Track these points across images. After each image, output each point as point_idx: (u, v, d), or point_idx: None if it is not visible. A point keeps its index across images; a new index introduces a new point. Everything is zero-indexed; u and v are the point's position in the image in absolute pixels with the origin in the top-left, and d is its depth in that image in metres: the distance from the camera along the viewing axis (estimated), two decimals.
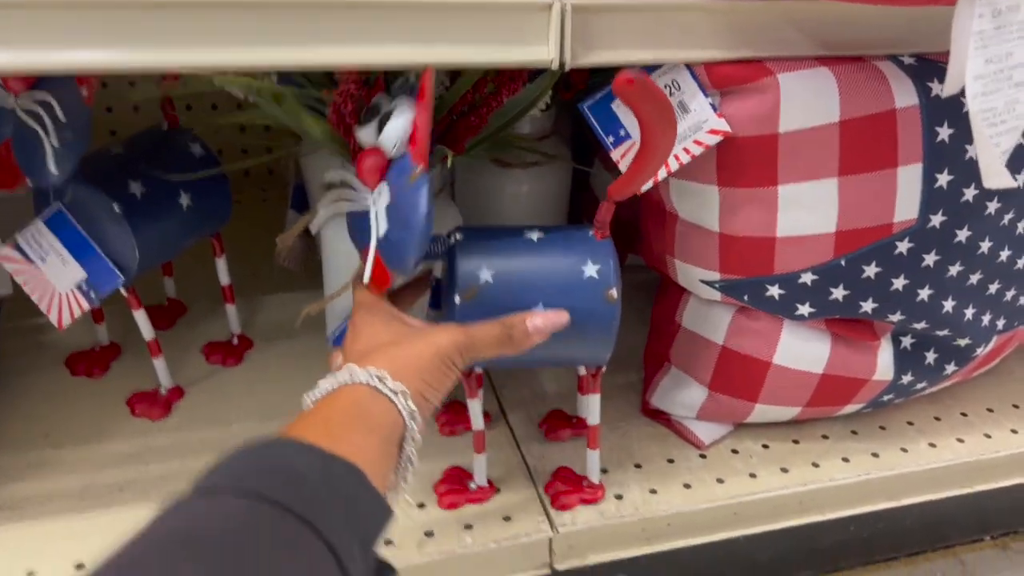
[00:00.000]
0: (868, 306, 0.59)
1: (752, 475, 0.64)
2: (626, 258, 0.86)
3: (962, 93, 0.54)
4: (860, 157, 0.54)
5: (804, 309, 0.59)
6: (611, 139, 0.52)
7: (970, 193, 0.56)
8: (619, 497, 0.61)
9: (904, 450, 0.67)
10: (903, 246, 0.56)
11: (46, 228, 0.58)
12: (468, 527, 0.57)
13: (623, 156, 0.53)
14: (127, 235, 0.57)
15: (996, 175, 0.46)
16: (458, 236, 0.52)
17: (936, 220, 0.56)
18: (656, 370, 0.68)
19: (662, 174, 0.52)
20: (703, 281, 0.60)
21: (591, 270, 0.50)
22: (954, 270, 0.59)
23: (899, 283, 0.58)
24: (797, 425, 0.68)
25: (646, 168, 0.48)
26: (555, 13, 0.46)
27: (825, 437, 0.68)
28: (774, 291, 0.58)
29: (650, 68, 0.52)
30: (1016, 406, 0.73)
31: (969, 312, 0.62)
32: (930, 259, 0.57)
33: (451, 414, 0.65)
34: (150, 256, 0.59)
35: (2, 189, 0.53)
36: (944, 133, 0.54)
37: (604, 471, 0.63)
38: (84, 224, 0.57)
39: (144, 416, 0.64)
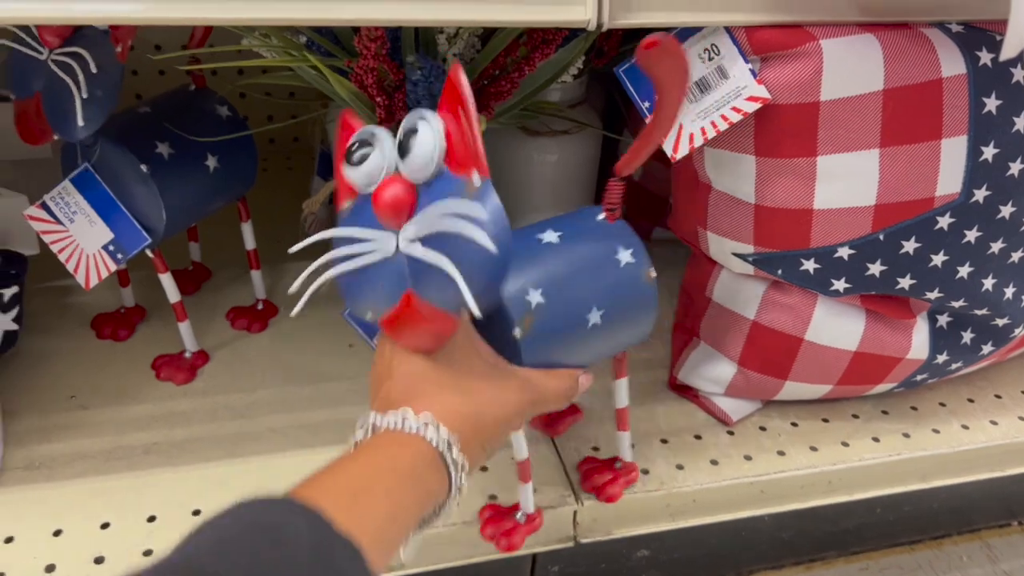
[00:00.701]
0: (906, 282, 0.57)
1: (780, 453, 0.63)
2: (652, 232, 0.85)
3: (1012, 62, 0.52)
4: (904, 128, 0.52)
5: (839, 284, 0.57)
6: (647, 104, 0.51)
7: (1016, 168, 0.54)
8: (645, 472, 0.60)
9: (936, 431, 0.66)
10: (944, 221, 0.55)
11: (74, 188, 0.57)
12: (492, 496, 0.57)
13: None
14: (154, 196, 0.57)
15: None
16: None
17: (980, 195, 0.54)
18: (684, 345, 0.67)
19: (698, 141, 0.51)
20: (736, 254, 0.59)
21: (625, 256, 0.48)
22: (996, 247, 0.57)
23: (938, 259, 0.56)
24: (827, 403, 0.67)
25: (652, 139, 0.45)
26: None
27: (855, 416, 0.67)
28: (809, 265, 0.57)
29: (689, 31, 0.50)
30: None
31: (1009, 291, 0.60)
32: (971, 235, 0.56)
33: None
34: (177, 218, 0.59)
35: (30, 143, 0.53)
36: (991, 104, 0.52)
37: (631, 446, 0.62)
38: (111, 184, 0.57)
39: (169, 379, 0.64)
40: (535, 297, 0.44)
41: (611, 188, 0.49)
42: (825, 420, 0.66)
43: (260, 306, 0.71)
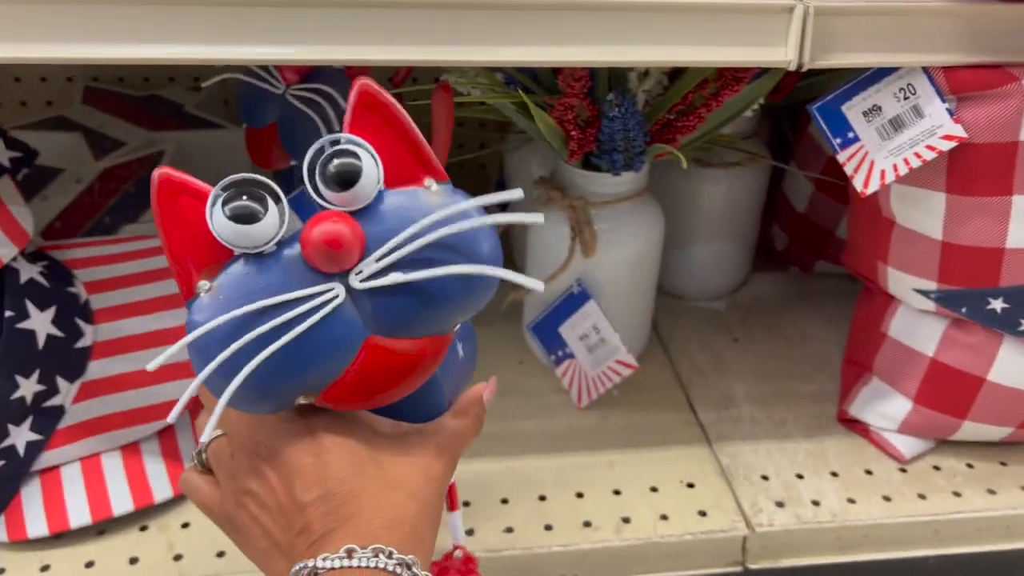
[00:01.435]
0: None
1: (956, 494, 0.62)
2: (814, 265, 0.85)
3: None
4: None
5: None
6: (838, 141, 0.52)
7: None
8: (816, 503, 0.60)
9: None
10: None
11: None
12: (664, 517, 0.59)
13: (850, 159, 0.52)
14: None
15: None
16: None
17: None
18: (856, 379, 0.66)
19: (890, 177, 0.52)
20: (917, 290, 0.59)
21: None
22: None
23: None
24: (1005, 446, 0.65)
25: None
26: (797, 15, 0.47)
27: None
28: (997, 305, 0.56)
29: (885, 72, 0.51)
30: None
31: None
32: None
33: None
34: None
35: (264, 167, 0.59)
36: None
37: (800, 476, 0.62)
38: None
39: None
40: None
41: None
42: (1003, 463, 0.65)
43: None
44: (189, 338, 0.32)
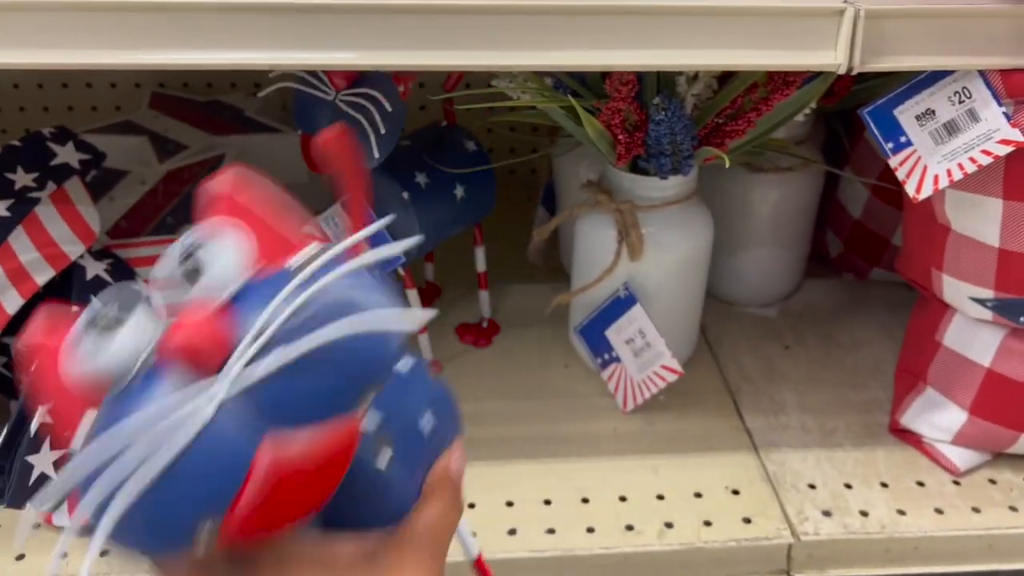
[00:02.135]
0: None
1: (1012, 508, 0.60)
2: (870, 272, 0.84)
3: None
4: None
5: None
6: (890, 145, 0.52)
7: None
8: (864, 514, 0.59)
9: None
10: None
11: (343, 210, 0.65)
12: (708, 523, 0.58)
13: (902, 163, 0.52)
14: (412, 221, 0.63)
15: None
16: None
17: None
18: (909, 389, 0.65)
19: (944, 183, 0.51)
20: (973, 299, 0.58)
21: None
22: None
23: None
24: None
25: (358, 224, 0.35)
26: (847, 18, 0.46)
27: None
28: None
29: (939, 75, 0.50)
30: None
31: None
32: None
33: None
34: (428, 240, 0.65)
35: (318, 172, 0.61)
36: None
37: (848, 486, 0.61)
38: (375, 208, 0.64)
39: None
40: (374, 417, 0.32)
41: None
42: None
43: (485, 324, 0.77)
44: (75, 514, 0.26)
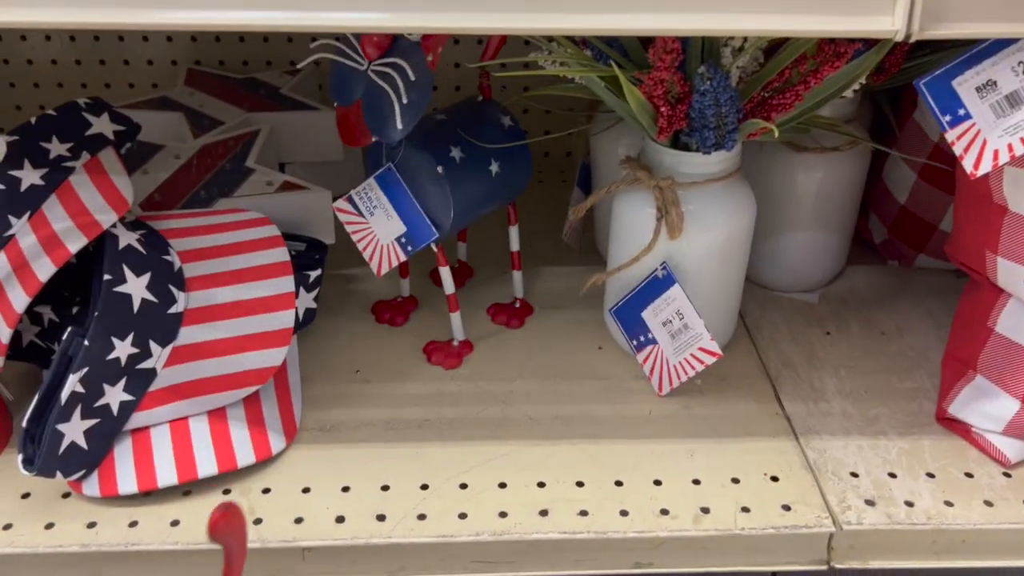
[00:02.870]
0: None
1: None
2: (915, 258, 0.81)
3: None
4: None
5: None
6: (948, 118, 0.49)
7: None
8: (910, 504, 0.57)
9: None
10: None
11: (377, 185, 0.64)
12: (745, 510, 0.57)
13: (959, 138, 0.49)
14: (446, 195, 0.62)
15: None
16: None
17: None
18: (957, 377, 0.63)
19: (1004, 158, 0.48)
20: None
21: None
22: None
23: None
24: None
25: None
26: None
27: None
28: None
29: (1002, 44, 0.48)
30: None
31: None
32: None
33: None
34: (462, 216, 0.64)
35: (351, 144, 0.60)
36: None
37: (892, 475, 0.59)
38: (409, 183, 0.63)
39: (439, 364, 0.69)
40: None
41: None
42: None
43: (518, 304, 0.76)
44: None
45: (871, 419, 0.64)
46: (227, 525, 0.40)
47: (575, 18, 0.45)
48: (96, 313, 0.55)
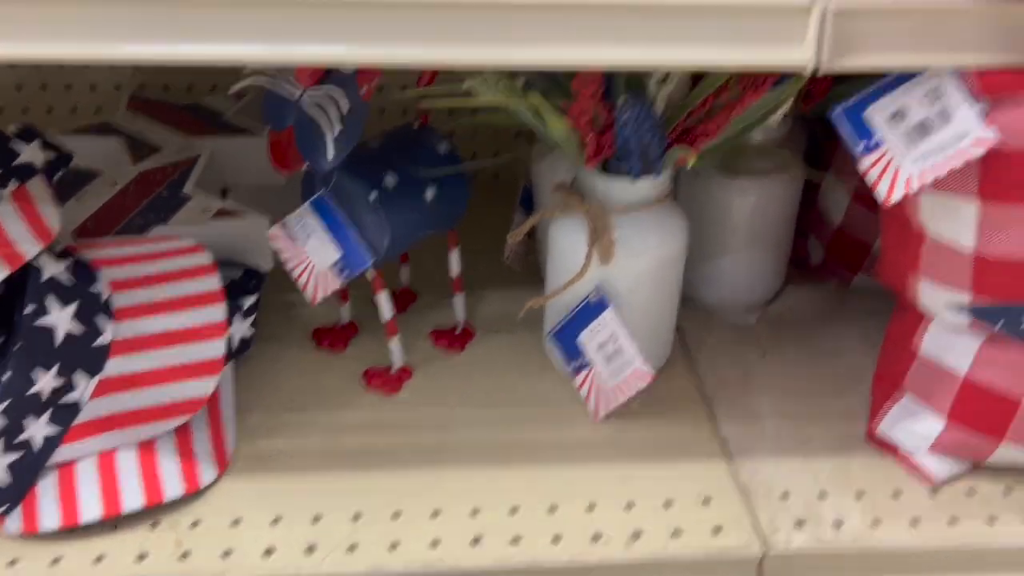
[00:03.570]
0: None
1: (991, 520, 0.59)
2: (852, 279, 0.82)
3: None
4: None
5: None
6: (861, 147, 0.50)
7: None
8: (838, 524, 0.58)
9: None
10: None
11: (312, 211, 0.64)
12: (677, 533, 0.57)
13: (873, 165, 0.50)
14: (381, 222, 0.62)
15: None
16: None
17: None
18: (886, 397, 0.64)
19: (916, 185, 0.50)
20: (950, 305, 0.56)
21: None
22: None
23: None
24: None
25: None
26: (815, 15, 0.45)
27: None
28: None
29: (912, 75, 0.49)
30: None
31: None
32: None
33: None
34: (398, 242, 0.64)
35: (283, 171, 0.60)
36: None
37: (823, 496, 0.60)
38: (344, 210, 0.63)
39: (377, 390, 0.69)
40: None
41: None
42: None
43: (459, 329, 0.76)
44: None
45: (804, 439, 0.65)
46: None
47: (493, 51, 0.45)
48: (16, 346, 0.54)
